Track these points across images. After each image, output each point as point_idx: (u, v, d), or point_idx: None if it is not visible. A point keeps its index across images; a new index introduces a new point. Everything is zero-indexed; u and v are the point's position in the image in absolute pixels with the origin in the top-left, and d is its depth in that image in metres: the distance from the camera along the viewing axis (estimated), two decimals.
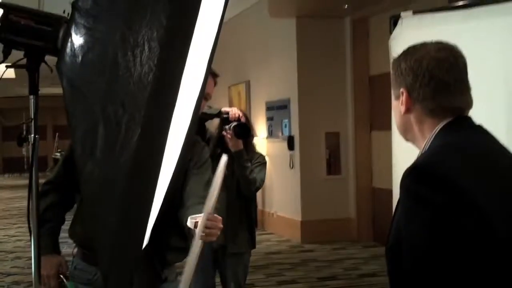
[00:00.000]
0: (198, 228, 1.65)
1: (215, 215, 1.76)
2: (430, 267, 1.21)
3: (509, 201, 1.28)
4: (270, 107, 8.27)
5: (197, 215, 1.76)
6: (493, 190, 1.27)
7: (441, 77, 1.36)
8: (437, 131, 1.37)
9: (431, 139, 1.38)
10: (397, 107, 1.44)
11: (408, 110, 1.41)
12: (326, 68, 7.49)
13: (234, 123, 3.36)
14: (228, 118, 3.38)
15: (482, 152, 1.34)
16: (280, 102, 7.96)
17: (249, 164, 3.44)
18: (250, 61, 8.85)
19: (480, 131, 1.40)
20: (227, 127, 3.40)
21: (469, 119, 1.40)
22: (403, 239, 1.26)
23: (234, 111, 3.41)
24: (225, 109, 3.44)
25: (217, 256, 3.55)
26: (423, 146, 1.40)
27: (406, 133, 1.46)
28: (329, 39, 7.51)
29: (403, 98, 1.41)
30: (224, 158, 1.69)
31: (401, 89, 1.41)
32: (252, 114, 8.77)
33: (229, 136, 3.36)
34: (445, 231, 1.21)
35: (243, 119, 3.43)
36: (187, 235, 1.93)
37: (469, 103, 1.40)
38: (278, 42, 7.91)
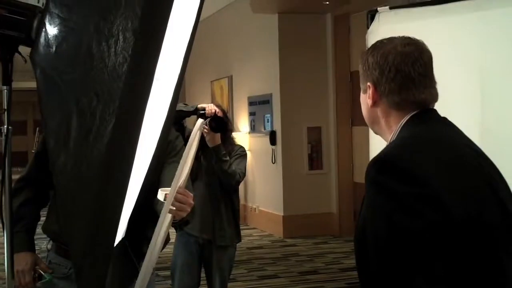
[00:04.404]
0: (167, 200, 1.61)
1: (186, 190, 1.74)
2: (393, 257, 1.23)
3: (470, 192, 1.30)
4: (252, 102, 8.28)
5: (167, 188, 1.74)
6: (454, 181, 1.29)
7: (406, 72, 1.39)
8: (402, 124, 1.40)
9: (397, 132, 1.41)
10: (365, 100, 1.47)
11: (375, 104, 1.44)
12: (308, 63, 7.51)
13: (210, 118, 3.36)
14: (204, 114, 3.37)
15: (445, 143, 1.37)
16: (262, 97, 7.97)
17: (227, 158, 3.46)
18: (233, 56, 8.84)
19: (444, 123, 1.43)
20: (203, 121, 3.41)
21: (434, 112, 1.43)
22: (367, 228, 1.28)
23: (210, 107, 3.40)
24: (201, 105, 3.43)
25: (203, 250, 3.56)
26: (390, 138, 1.42)
27: (374, 126, 1.49)
28: (311, 35, 7.54)
29: (370, 92, 1.44)
30: (199, 122, 1.67)
31: (368, 83, 1.44)
32: (235, 109, 8.77)
33: (205, 131, 3.36)
34: (407, 221, 1.22)
35: (220, 115, 3.43)
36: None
37: (434, 96, 1.43)
38: (261, 37, 7.92)
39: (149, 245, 1.51)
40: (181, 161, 1.58)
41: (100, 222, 1.32)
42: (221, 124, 3.37)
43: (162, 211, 1.56)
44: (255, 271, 5.91)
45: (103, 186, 1.32)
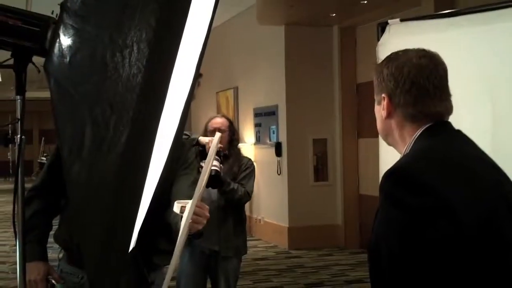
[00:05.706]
0: (185, 213, 1.63)
1: (202, 203, 1.76)
2: (407, 269, 1.23)
3: (482, 204, 1.30)
4: (258, 114, 8.28)
5: (184, 200, 1.75)
6: (467, 193, 1.29)
7: (421, 84, 1.39)
8: (417, 136, 1.40)
9: (411, 144, 1.41)
10: (379, 112, 1.47)
11: (389, 115, 1.44)
12: (314, 75, 7.53)
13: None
14: (204, 150, 3.33)
15: (459, 156, 1.37)
16: (268, 109, 7.97)
17: (232, 186, 3.46)
18: (239, 67, 8.87)
19: (459, 136, 1.42)
20: (221, 135, 3.39)
21: (449, 124, 1.43)
22: (381, 241, 1.28)
23: (210, 145, 3.37)
24: (202, 139, 3.31)
25: (208, 261, 3.56)
26: (404, 150, 1.42)
27: (388, 138, 1.49)
28: (317, 47, 7.56)
29: (385, 103, 1.44)
30: (217, 135, 1.69)
31: (383, 95, 1.44)
32: (240, 120, 8.78)
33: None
34: (421, 233, 1.23)
35: (222, 147, 3.41)
36: (174, 237, 1.92)
37: (448, 109, 1.43)
38: (267, 49, 7.94)
39: (172, 257, 1.51)
40: (202, 174, 1.60)
41: (113, 231, 1.32)
42: (218, 182, 3.38)
43: (183, 224, 1.57)
44: (260, 283, 5.89)
45: (117, 195, 1.32)
